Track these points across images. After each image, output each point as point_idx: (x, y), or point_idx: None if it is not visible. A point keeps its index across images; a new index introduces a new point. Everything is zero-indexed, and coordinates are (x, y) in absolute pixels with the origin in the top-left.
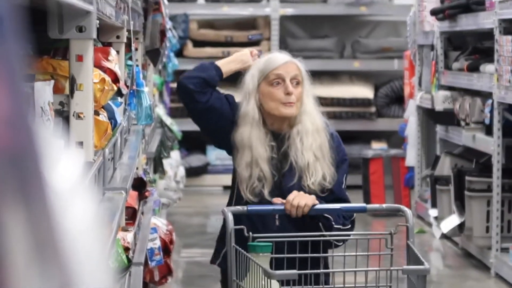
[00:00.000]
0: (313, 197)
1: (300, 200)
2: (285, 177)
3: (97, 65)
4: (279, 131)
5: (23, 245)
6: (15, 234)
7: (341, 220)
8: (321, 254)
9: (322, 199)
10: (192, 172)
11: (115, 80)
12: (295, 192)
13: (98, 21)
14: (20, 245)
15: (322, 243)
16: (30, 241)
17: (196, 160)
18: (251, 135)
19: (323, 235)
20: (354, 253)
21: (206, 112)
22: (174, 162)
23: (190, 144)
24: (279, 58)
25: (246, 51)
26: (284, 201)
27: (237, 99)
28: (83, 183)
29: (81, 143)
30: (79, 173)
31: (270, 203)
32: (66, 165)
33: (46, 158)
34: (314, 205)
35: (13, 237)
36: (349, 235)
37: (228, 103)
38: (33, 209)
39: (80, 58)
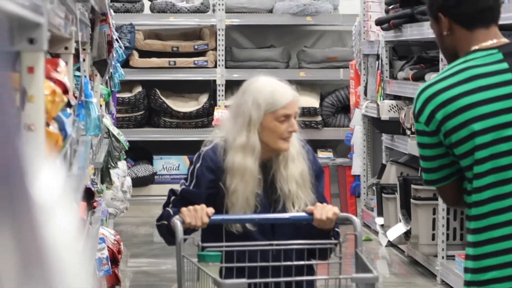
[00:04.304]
0: (331, 206)
1: (328, 212)
2: (270, 207)
3: (47, 77)
4: (266, 161)
5: (10, 259)
6: (3, 248)
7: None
8: (270, 263)
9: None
10: (139, 182)
11: (65, 91)
12: (318, 205)
13: (49, 33)
14: (8, 259)
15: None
16: (17, 254)
17: (142, 170)
18: (245, 165)
19: (271, 244)
20: (303, 262)
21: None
22: (121, 172)
23: (137, 154)
24: (287, 95)
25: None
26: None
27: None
28: (65, 195)
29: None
30: (61, 186)
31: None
32: (48, 178)
33: (30, 172)
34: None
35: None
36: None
37: (202, 183)
38: (20, 224)
39: (31, 70)
